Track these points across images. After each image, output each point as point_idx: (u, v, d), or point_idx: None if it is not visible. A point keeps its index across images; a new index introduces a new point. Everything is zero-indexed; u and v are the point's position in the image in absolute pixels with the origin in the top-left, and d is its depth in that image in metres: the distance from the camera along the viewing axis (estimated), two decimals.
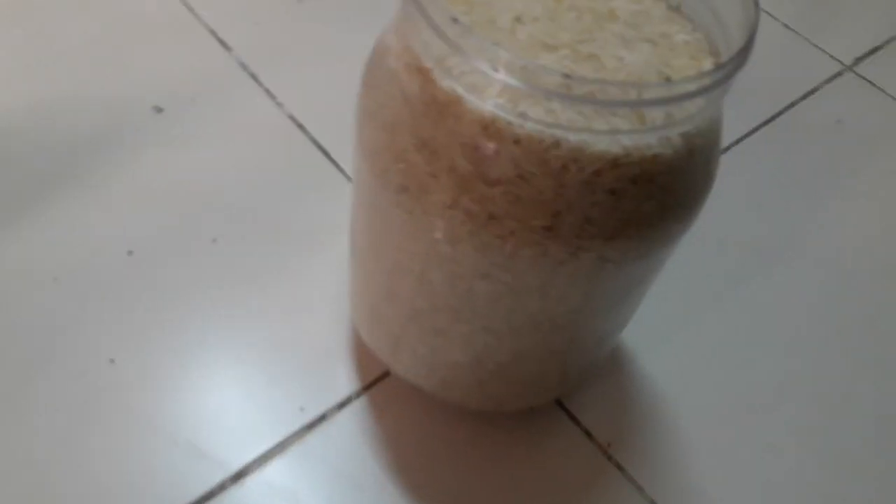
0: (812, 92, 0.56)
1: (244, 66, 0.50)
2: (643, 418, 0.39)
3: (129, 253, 0.41)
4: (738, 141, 0.52)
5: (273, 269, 0.42)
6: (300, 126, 0.48)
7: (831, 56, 0.59)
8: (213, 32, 0.52)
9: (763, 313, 0.44)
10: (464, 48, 0.22)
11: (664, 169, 0.24)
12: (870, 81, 0.58)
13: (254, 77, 0.50)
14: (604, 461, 0.37)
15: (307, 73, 0.51)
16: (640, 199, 0.25)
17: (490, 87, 0.23)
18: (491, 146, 0.24)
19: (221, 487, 0.35)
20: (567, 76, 0.21)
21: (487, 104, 0.23)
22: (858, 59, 0.59)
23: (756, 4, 0.24)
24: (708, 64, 0.27)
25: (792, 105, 0.55)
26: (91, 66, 0.49)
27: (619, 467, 0.37)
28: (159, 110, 0.47)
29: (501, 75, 0.22)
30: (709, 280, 0.45)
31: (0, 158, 0.43)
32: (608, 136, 0.23)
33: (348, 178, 0.46)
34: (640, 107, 0.22)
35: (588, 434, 0.38)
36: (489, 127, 0.24)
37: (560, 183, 0.24)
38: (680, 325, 0.43)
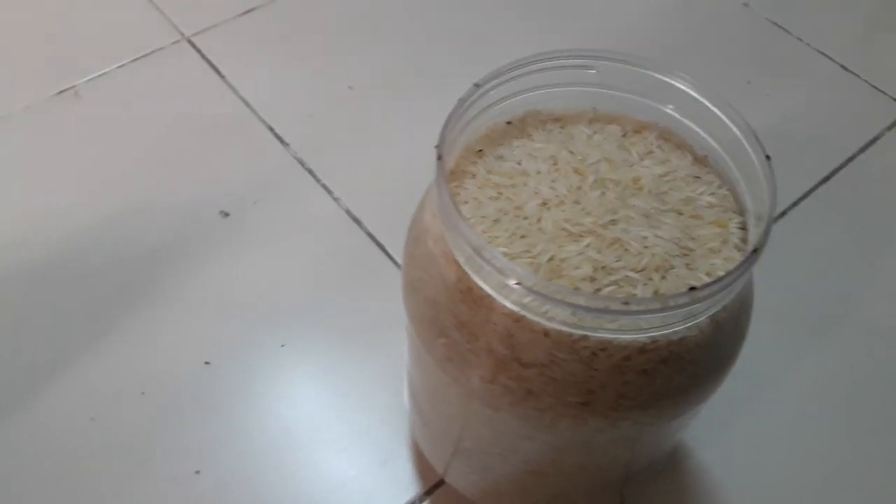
0: (872, 142, 0.55)
1: (301, 162, 0.53)
2: None
3: (207, 363, 0.44)
4: (793, 205, 0.51)
5: (338, 369, 0.44)
6: (356, 220, 0.50)
7: (893, 98, 0.57)
8: (270, 128, 0.55)
9: (822, 390, 0.44)
10: (487, 259, 0.24)
11: (692, 347, 0.25)
12: None
13: (311, 172, 0.52)
14: None
15: (362, 162, 0.53)
16: (672, 375, 0.26)
17: (514, 293, 0.24)
18: (523, 336, 0.25)
19: None
20: (576, 288, 0.23)
21: (515, 306, 0.25)
22: None
23: (773, 190, 0.25)
24: (733, 226, 0.27)
25: (851, 159, 0.54)
26: (159, 175, 0.52)
27: None
28: (226, 215, 0.50)
29: (520, 289, 0.23)
30: (764, 360, 0.45)
31: (81, 274, 0.47)
32: (632, 333, 0.24)
33: None
34: (660, 312, 0.23)
35: None
36: (519, 321, 0.25)
37: (591, 367, 0.25)
38: (736, 411, 0.43)
